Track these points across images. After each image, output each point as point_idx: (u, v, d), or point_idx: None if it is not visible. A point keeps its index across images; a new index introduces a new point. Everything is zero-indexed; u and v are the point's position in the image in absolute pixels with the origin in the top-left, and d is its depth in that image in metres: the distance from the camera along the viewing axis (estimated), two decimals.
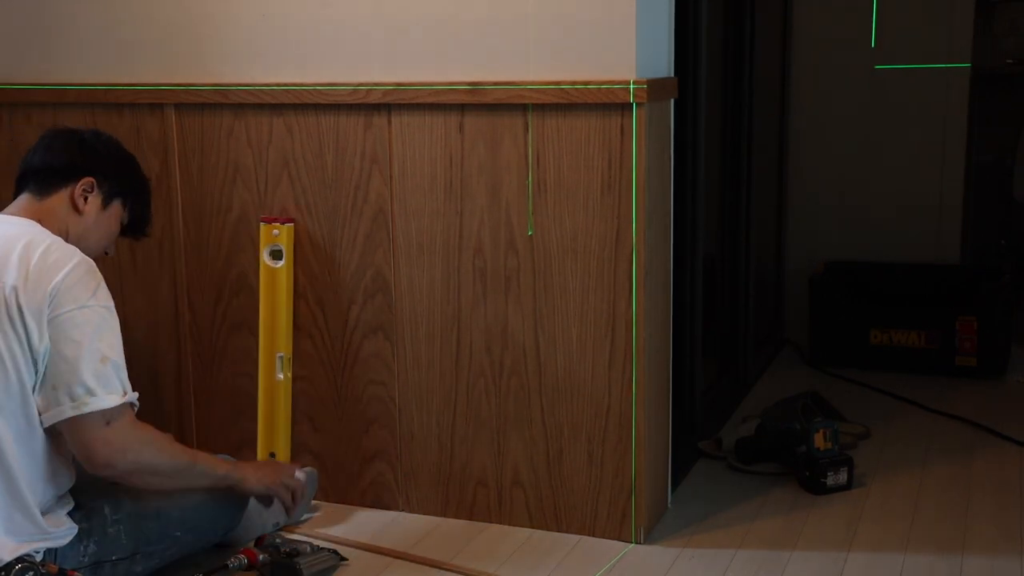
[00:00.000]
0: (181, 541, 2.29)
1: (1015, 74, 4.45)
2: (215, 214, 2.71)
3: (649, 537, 2.54)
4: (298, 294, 2.65)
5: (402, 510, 2.68)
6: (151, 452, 2.14)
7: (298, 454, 2.74)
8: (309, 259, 2.64)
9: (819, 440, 2.76)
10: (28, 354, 2.00)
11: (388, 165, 2.54)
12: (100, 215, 2.25)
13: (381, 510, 2.69)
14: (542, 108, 2.39)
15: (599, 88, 2.32)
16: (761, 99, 3.58)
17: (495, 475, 2.60)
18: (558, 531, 2.57)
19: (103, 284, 2.10)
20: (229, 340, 2.75)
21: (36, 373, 2.01)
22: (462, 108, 2.45)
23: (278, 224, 2.61)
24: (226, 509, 2.38)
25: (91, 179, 2.22)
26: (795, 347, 4.05)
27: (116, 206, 2.28)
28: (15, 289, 2.00)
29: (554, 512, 2.57)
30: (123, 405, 2.07)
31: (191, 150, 2.70)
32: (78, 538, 2.11)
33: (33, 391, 2.01)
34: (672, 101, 2.53)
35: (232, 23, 2.63)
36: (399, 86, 2.48)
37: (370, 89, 2.51)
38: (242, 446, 2.75)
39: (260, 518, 2.47)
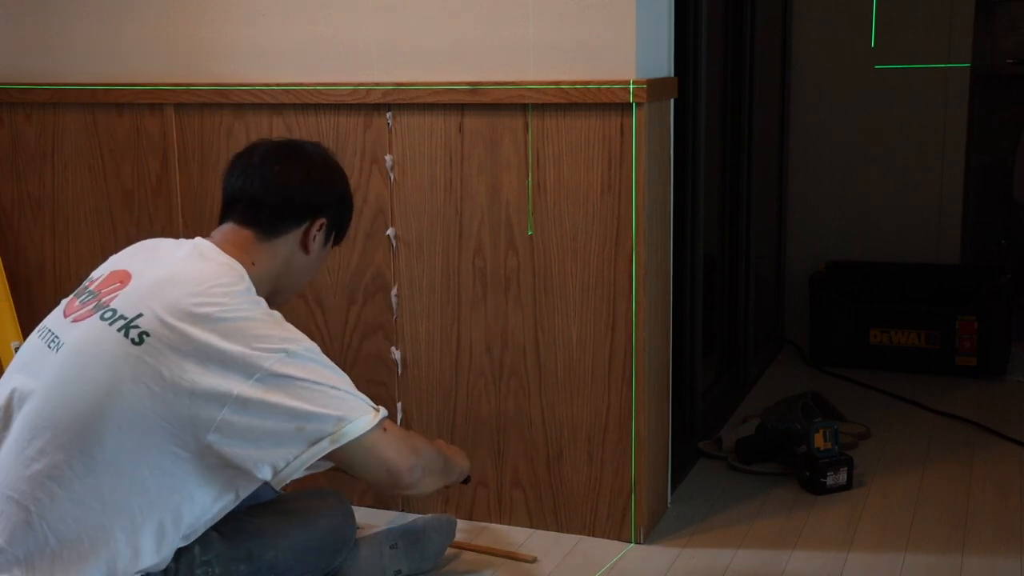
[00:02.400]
0: None
1: (1015, 74, 4.46)
2: (215, 214, 2.70)
3: (649, 537, 2.54)
4: (298, 294, 2.66)
5: (402, 510, 2.68)
6: (428, 451, 2.04)
7: None
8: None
9: (819, 440, 2.76)
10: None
11: (388, 165, 2.54)
12: (320, 253, 2.09)
13: (381, 510, 2.69)
14: (542, 108, 2.39)
15: (599, 88, 2.32)
16: (761, 99, 3.58)
17: (495, 475, 2.60)
18: (558, 531, 2.57)
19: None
20: None
21: None
22: (462, 108, 2.45)
23: None
24: (324, 550, 2.18)
25: (323, 220, 2.05)
26: (795, 347, 4.05)
27: (332, 237, 2.12)
28: None
29: (554, 512, 2.57)
30: (382, 419, 1.91)
31: (191, 150, 2.70)
32: None
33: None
34: (672, 101, 2.53)
35: (232, 23, 2.63)
36: (399, 86, 2.48)
37: (370, 89, 2.51)
38: None
39: (379, 561, 2.31)
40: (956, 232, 4.04)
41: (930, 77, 3.95)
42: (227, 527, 2.06)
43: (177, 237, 2.71)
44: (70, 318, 1.95)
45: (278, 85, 2.58)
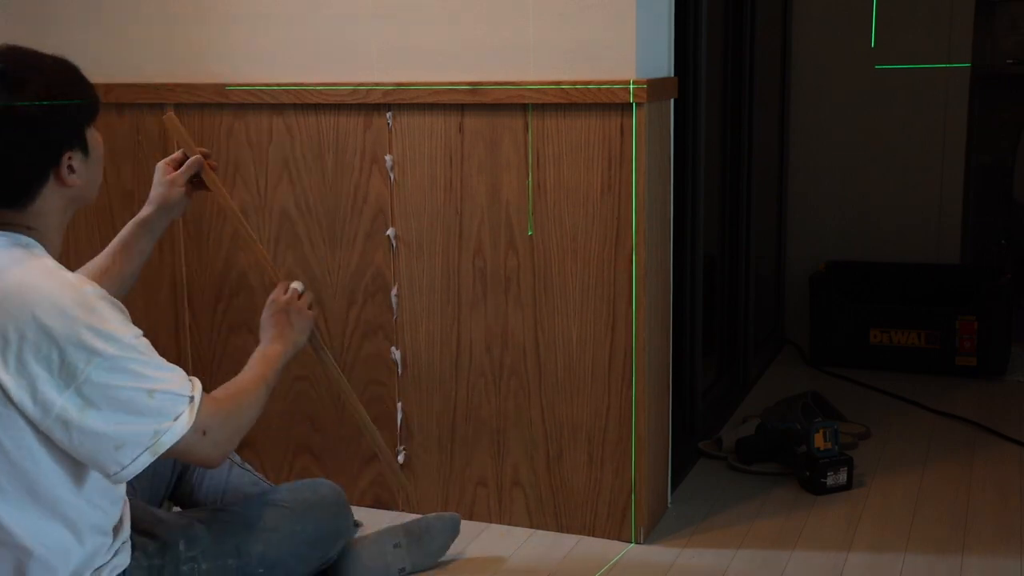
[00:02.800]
0: None
1: (1015, 74, 4.46)
2: (215, 214, 2.71)
3: (649, 537, 2.54)
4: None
5: (402, 510, 2.68)
6: (242, 420, 1.90)
7: (298, 454, 2.74)
8: (309, 259, 2.64)
9: (819, 440, 2.76)
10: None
11: (388, 165, 2.54)
12: (90, 167, 1.84)
13: (381, 510, 2.69)
14: (542, 108, 2.39)
15: (599, 88, 2.32)
16: (761, 99, 3.58)
17: (495, 475, 2.60)
18: (558, 531, 2.57)
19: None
20: (229, 340, 2.75)
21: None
22: (462, 108, 2.45)
23: None
24: (317, 543, 2.13)
25: (68, 152, 1.78)
26: (795, 347, 4.05)
27: (92, 138, 1.84)
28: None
29: (554, 512, 2.57)
30: (194, 409, 1.76)
31: None
32: (148, 575, 1.88)
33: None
34: (672, 101, 2.53)
35: (232, 23, 2.63)
36: (399, 86, 2.48)
37: (370, 89, 2.51)
38: (243, 446, 2.75)
39: (383, 559, 2.29)
40: (956, 232, 4.05)
41: (930, 77, 3.95)
42: (216, 521, 2.02)
43: (177, 237, 2.73)
44: None
45: (278, 85, 2.58)
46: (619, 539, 2.52)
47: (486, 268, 2.51)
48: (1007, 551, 2.46)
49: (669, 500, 2.72)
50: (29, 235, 1.78)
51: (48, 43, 2.80)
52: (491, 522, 2.61)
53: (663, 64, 2.51)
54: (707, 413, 3.20)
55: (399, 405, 2.64)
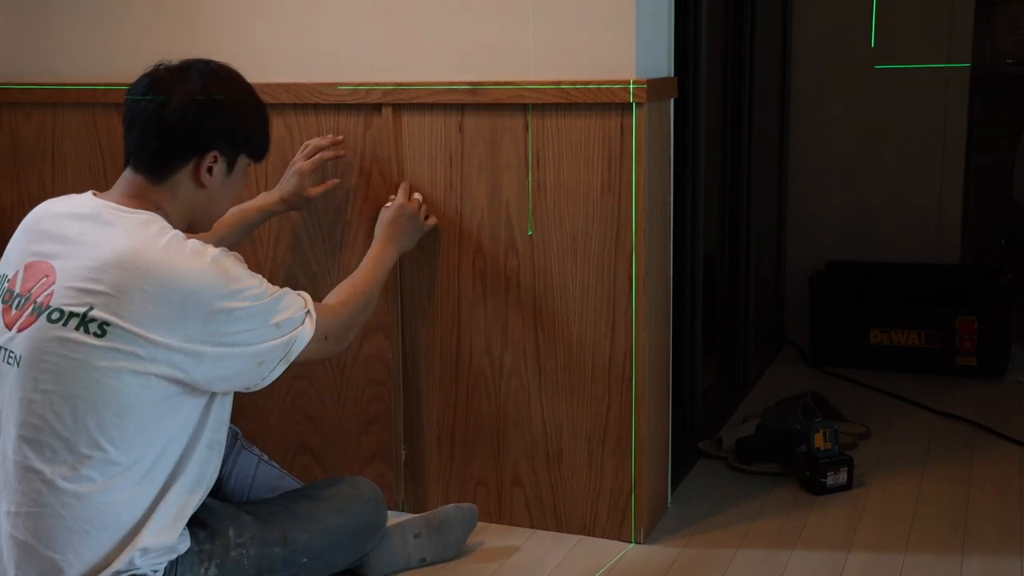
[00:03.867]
0: (307, 568, 2.15)
1: (1015, 74, 4.46)
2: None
3: (649, 537, 2.54)
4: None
5: (402, 510, 2.68)
6: (356, 319, 2.23)
7: (298, 454, 2.74)
8: (309, 259, 2.64)
9: (819, 440, 2.76)
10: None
11: (388, 165, 2.54)
12: (226, 182, 2.05)
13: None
14: (542, 108, 2.39)
15: (599, 88, 2.32)
16: (761, 99, 3.58)
17: (495, 475, 2.60)
18: (558, 531, 2.57)
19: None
20: None
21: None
22: (462, 108, 2.45)
23: None
24: (356, 536, 2.26)
25: (215, 152, 2.01)
26: (795, 347, 4.05)
27: (241, 163, 2.07)
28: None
29: (554, 512, 2.57)
30: (311, 319, 2.04)
31: None
32: (199, 559, 1.99)
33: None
34: (672, 101, 2.53)
35: (232, 23, 2.63)
36: (399, 86, 2.48)
37: (370, 89, 2.51)
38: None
39: (404, 549, 2.37)
40: (956, 232, 4.05)
41: (930, 77, 3.95)
42: (262, 511, 2.14)
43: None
44: (14, 328, 1.92)
45: (278, 85, 2.58)
46: (619, 539, 2.52)
47: (486, 268, 2.51)
48: (1007, 551, 2.46)
49: (669, 500, 2.72)
50: (158, 213, 1.98)
51: (48, 43, 2.81)
52: (491, 522, 2.61)
53: (663, 64, 2.51)
54: (707, 413, 3.20)
55: (399, 405, 2.64)
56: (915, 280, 3.98)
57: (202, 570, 2.01)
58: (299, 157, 2.52)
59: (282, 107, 2.59)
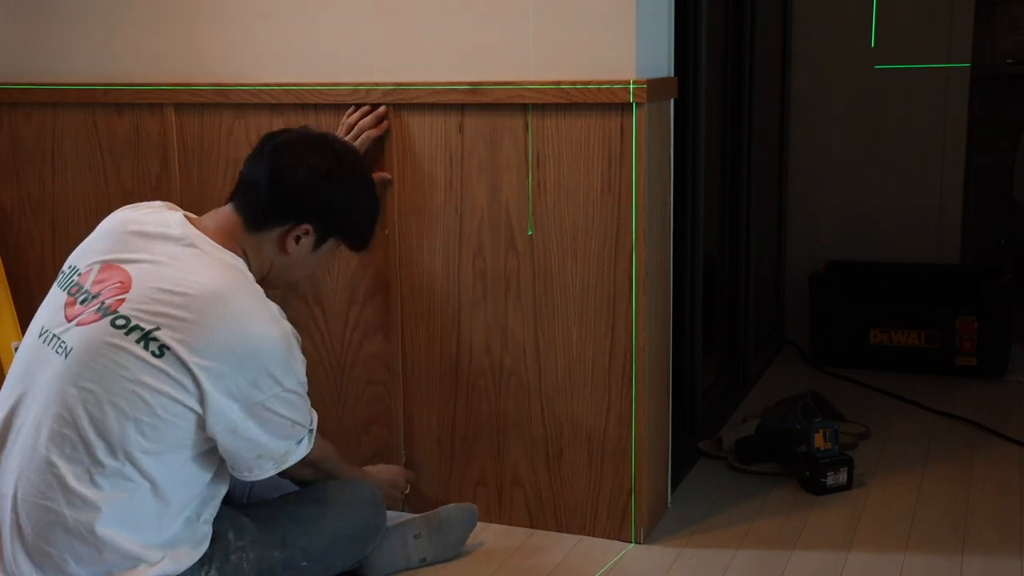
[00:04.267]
0: (307, 571, 2.17)
1: (1015, 74, 4.46)
2: None
3: (649, 537, 2.54)
4: (298, 294, 2.65)
5: (402, 510, 2.68)
6: (330, 468, 2.30)
7: None
8: None
9: (819, 440, 2.76)
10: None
11: (388, 165, 2.54)
12: (308, 256, 2.13)
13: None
14: (542, 108, 2.39)
15: (599, 88, 2.32)
16: (761, 99, 3.58)
17: (495, 475, 2.60)
18: (558, 531, 2.57)
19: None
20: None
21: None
22: (462, 108, 2.45)
23: None
24: (356, 538, 2.28)
25: (309, 227, 2.08)
26: (795, 347, 4.05)
27: (330, 244, 2.16)
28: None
29: (554, 512, 2.57)
30: (312, 439, 2.12)
31: (191, 150, 2.70)
32: (199, 563, 2.01)
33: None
34: (672, 101, 2.53)
35: (232, 23, 2.63)
36: (399, 86, 2.48)
37: (370, 89, 2.51)
38: None
39: (404, 550, 2.38)
40: (956, 232, 4.04)
41: (930, 77, 3.95)
42: (261, 514, 2.15)
43: None
44: (73, 321, 1.96)
45: (278, 85, 2.58)
46: (619, 539, 2.52)
47: (486, 268, 2.51)
48: (1007, 551, 2.46)
49: (669, 500, 2.72)
50: (243, 259, 2.04)
51: (48, 43, 2.81)
52: (491, 522, 2.61)
53: (663, 64, 2.51)
54: (707, 413, 3.20)
55: (399, 405, 2.64)
56: (915, 280, 3.98)
57: (202, 573, 2.01)
58: (347, 138, 2.48)
59: (282, 107, 2.59)
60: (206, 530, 2.03)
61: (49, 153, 2.85)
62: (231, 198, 2.11)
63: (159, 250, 1.98)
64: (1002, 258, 4.47)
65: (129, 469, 1.90)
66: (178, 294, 1.91)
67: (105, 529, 1.89)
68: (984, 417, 3.28)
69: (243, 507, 2.22)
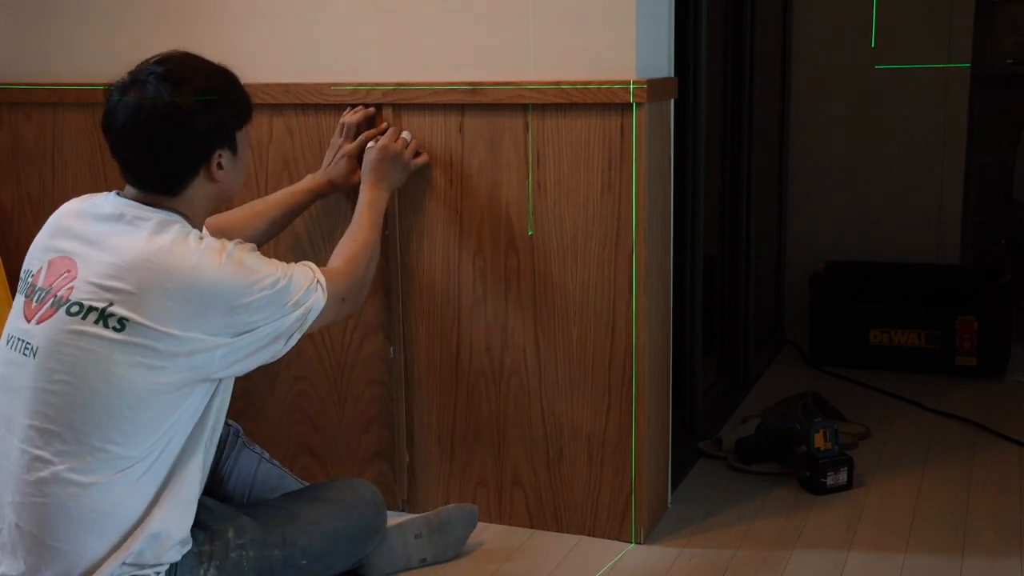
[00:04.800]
0: (307, 570, 2.16)
1: (1015, 74, 4.45)
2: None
3: (649, 537, 2.54)
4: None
5: (402, 510, 2.68)
6: (367, 275, 2.27)
7: (298, 454, 2.74)
8: (309, 259, 2.64)
9: (819, 440, 2.76)
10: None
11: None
12: (236, 162, 2.08)
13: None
14: (542, 108, 2.39)
15: (599, 88, 2.32)
16: (761, 99, 3.58)
17: (495, 475, 2.60)
18: (558, 531, 2.57)
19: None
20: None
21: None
22: (462, 108, 2.45)
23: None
24: (356, 538, 2.27)
25: (218, 151, 2.02)
26: (795, 347, 4.05)
27: (240, 137, 2.08)
28: None
29: (554, 512, 2.57)
30: (322, 287, 2.09)
31: None
32: (199, 560, 2.01)
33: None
34: (672, 101, 2.53)
35: (232, 23, 2.63)
36: (399, 86, 2.48)
37: (370, 89, 2.51)
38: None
39: (404, 550, 2.38)
40: (956, 232, 4.04)
41: (930, 77, 3.95)
42: (261, 513, 2.15)
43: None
44: (33, 320, 1.96)
45: (278, 85, 2.58)
46: (619, 539, 2.52)
47: (486, 268, 2.51)
48: (1007, 551, 2.46)
49: (669, 500, 2.72)
50: (177, 215, 2.01)
51: (48, 43, 2.81)
52: (491, 522, 2.61)
53: (663, 64, 2.51)
54: (707, 413, 3.20)
55: (399, 405, 2.64)
56: (915, 280, 3.98)
57: (201, 571, 2.02)
58: (342, 140, 2.50)
59: (282, 107, 2.59)
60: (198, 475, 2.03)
61: (49, 153, 2.85)
62: (130, 183, 2.03)
63: (95, 231, 1.98)
64: (1002, 258, 4.47)
65: (125, 447, 1.90)
66: (118, 266, 1.91)
67: (114, 508, 1.90)
68: (984, 417, 3.28)
69: (243, 506, 2.23)
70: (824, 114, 4.09)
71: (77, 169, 2.83)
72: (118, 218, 1.98)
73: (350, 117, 2.51)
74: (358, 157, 2.49)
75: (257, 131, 2.61)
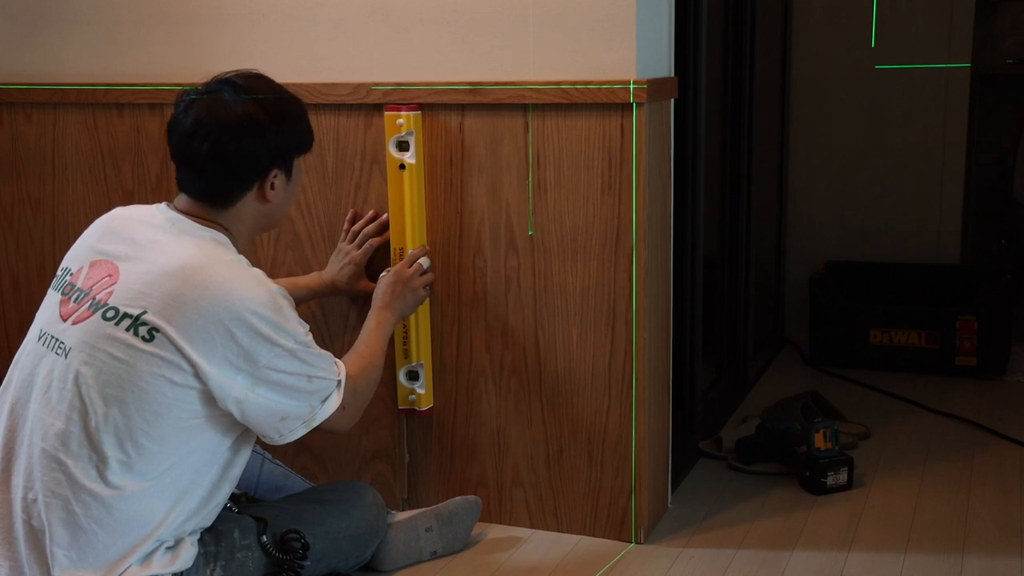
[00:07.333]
0: (309, 571, 2.18)
1: (1015, 74, 4.46)
2: None
3: (649, 537, 2.55)
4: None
5: (402, 510, 2.68)
6: (369, 391, 2.25)
7: (298, 453, 2.74)
8: (309, 259, 2.64)
9: (819, 440, 2.76)
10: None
11: (388, 165, 2.53)
12: (288, 187, 2.11)
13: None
14: (542, 108, 2.39)
15: (599, 88, 2.32)
16: (761, 99, 3.58)
17: (495, 475, 2.60)
18: (558, 531, 2.57)
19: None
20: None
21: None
22: (462, 108, 2.45)
23: (403, 113, 2.46)
24: (358, 540, 2.29)
25: (275, 170, 2.06)
26: (795, 347, 4.05)
27: (297, 164, 2.12)
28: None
29: (554, 512, 2.57)
30: (341, 391, 2.10)
31: None
32: (204, 560, 2.02)
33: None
34: (672, 101, 2.53)
35: (231, 23, 2.63)
36: (399, 86, 2.48)
37: (370, 89, 2.51)
38: None
39: (417, 544, 2.42)
40: (956, 232, 4.05)
41: (930, 77, 3.95)
42: (266, 514, 2.16)
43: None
44: (68, 320, 1.97)
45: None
46: (619, 539, 2.52)
47: (486, 268, 2.51)
48: (1007, 551, 2.46)
49: (669, 500, 2.72)
50: (225, 234, 2.04)
51: (48, 43, 2.81)
52: (491, 522, 2.61)
53: (663, 64, 2.51)
54: (707, 413, 3.20)
55: (399, 405, 2.64)
56: (915, 280, 3.98)
57: (207, 571, 2.03)
58: (350, 247, 2.53)
59: None
60: (212, 511, 2.04)
61: (49, 153, 2.85)
62: (182, 188, 2.07)
63: (143, 238, 2.00)
64: (1002, 258, 4.47)
65: (137, 461, 1.91)
66: (158, 275, 1.93)
67: (117, 521, 1.90)
68: (984, 417, 3.28)
69: (247, 507, 2.23)
70: (824, 114, 4.09)
71: (77, 169, 2.83)
72: (168, 228, 2.01)
73: (359, 225, 2.54)
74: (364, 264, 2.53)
75: None
